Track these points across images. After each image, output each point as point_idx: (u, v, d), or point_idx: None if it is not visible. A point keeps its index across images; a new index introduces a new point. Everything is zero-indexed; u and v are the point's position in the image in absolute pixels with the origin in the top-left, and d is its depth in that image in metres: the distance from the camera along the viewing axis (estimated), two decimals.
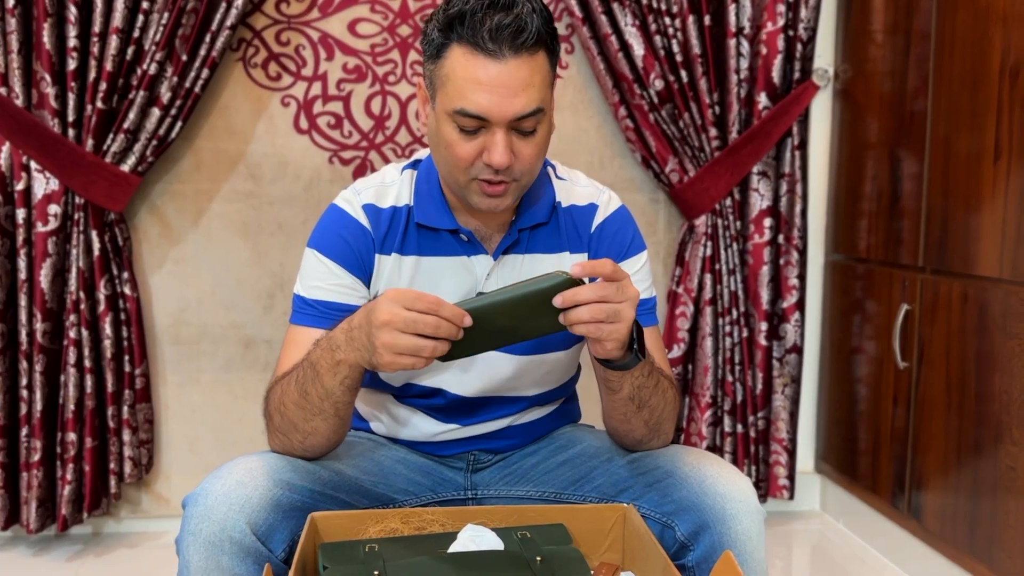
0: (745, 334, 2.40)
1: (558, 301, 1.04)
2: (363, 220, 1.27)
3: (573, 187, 1.36)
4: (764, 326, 2.41)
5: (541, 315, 1.06)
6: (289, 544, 1.13)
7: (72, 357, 2.15)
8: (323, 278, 1.26)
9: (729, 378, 2.39)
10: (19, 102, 2.09)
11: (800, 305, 2.43)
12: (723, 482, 1.18)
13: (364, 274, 1.27)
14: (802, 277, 2.43)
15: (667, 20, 2.27)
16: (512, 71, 1.13)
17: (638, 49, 2.27)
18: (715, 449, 2.42)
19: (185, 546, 1.08)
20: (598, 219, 1.34)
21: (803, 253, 2.43)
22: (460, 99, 1.14)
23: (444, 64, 1.16)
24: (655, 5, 2.26)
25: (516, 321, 1.05)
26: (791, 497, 2.47)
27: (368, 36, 2.34)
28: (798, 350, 2.44)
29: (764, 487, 2.46)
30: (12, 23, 2.06)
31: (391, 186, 1.31)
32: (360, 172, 2.36)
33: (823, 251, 2.54)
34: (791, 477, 2.46)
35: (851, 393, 2.39)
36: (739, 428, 2.41)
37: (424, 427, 1.36)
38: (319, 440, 1.20)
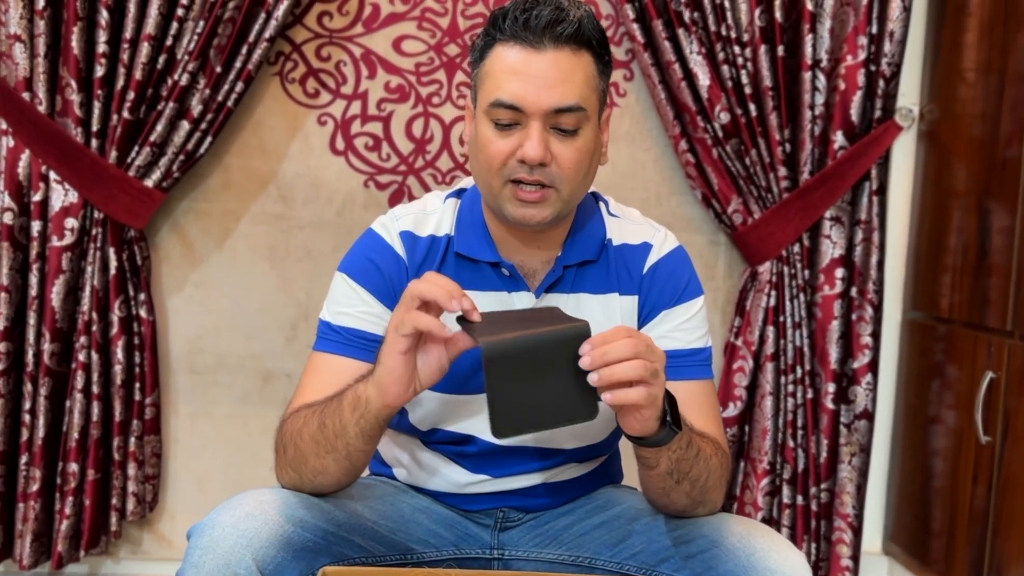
0: (810, 395, 2.37)
1: (586, 350, 1.04)
2: (398, 248, 1.30)
3: (626, 225, 1.37)
4: (832, 387, 2.38)
5: (564, 369, 1.04)
6: None
7: (80, 382, 2.19)
8: (350, 304, 1.29)
9: (790, 443, 2.37)
10: (42, 109, 2.15)
11: (873, 366, 2.40)
12: (774, 556, 1.18)
13: (394, 304, 1.29)
14: (876, 335, 2.40)
15: (736, 49, 2.29)
16: (551, 62, 1.18)
17: (703, 79, 2.29)
18: (772, 522, 2.39)
19: None
20: (651, 259, 1.34)
21: (878, 309, 2.40)
22: (496, 90, 1.20)
23: (485, 64, 1.23)
24: (724, 33, 2.28)
25: (536, 368, 1.04)
26: None
27: (413, 54, 2.39)
28: (869, 416, 2.41)
29: (825, 567, 2.41)
30: (40, 26, 2.12)
31: (431, 215, 1.34)
32: (397, 198, 2.40)
33: (900, 308, 2.52)
34: (855, 558, 2.41)
35: (926, 467, 2.35)
36: (799, 500, 2.37)
37: (452, 476, 1.37)
38: (328, 480, 1.22)
